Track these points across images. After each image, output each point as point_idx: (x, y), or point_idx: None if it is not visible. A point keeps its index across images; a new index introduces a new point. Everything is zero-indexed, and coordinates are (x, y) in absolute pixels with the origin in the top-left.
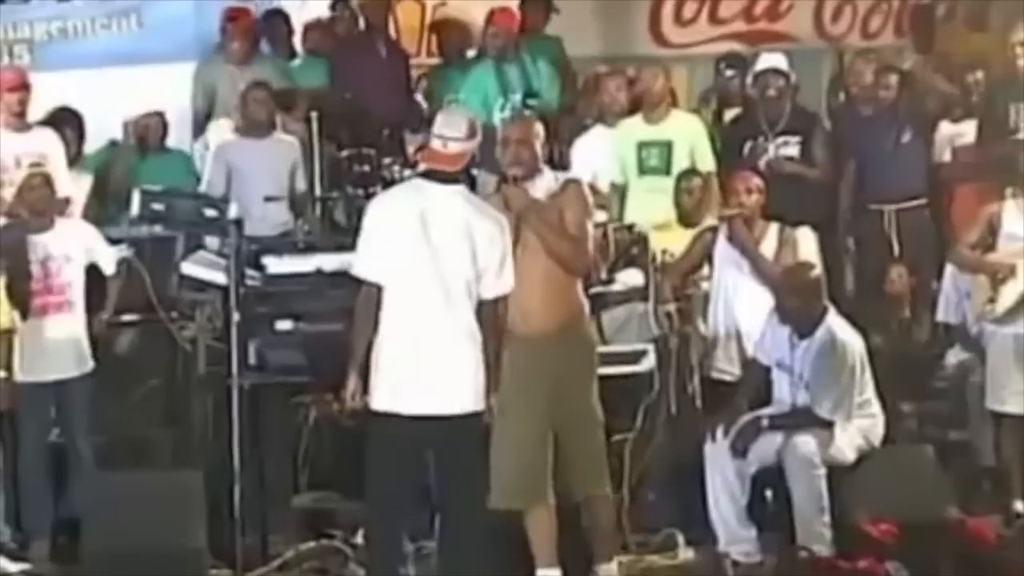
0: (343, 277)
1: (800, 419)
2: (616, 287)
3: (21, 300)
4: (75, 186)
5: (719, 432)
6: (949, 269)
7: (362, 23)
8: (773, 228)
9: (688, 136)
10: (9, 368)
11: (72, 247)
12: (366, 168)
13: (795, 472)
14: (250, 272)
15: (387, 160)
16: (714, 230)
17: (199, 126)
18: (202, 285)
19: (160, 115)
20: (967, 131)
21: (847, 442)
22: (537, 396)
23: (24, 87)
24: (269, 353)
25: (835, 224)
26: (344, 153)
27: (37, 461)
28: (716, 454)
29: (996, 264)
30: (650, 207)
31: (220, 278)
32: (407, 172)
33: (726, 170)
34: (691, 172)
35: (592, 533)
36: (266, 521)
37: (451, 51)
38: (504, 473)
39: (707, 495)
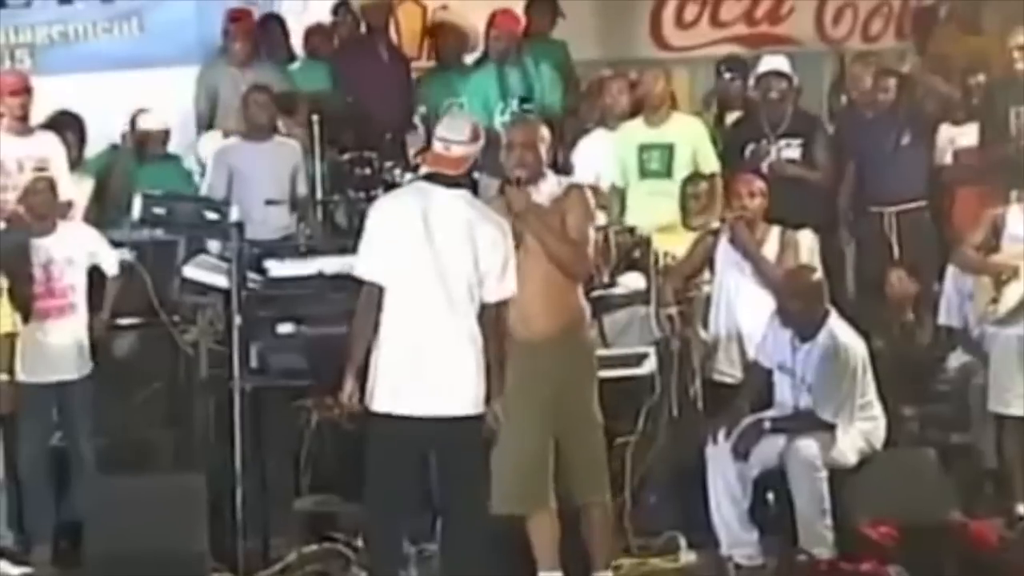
0: (345, 280)
1: (802, 422)
2: (618, 290)
3: (23, 303)
4: (76, 190)
5: (721, 435)
6: (950, 271)
7: (363, 27)
8: (775, 231)
9: (690, 139)
10: (11, 371)
11: (74, 250)
12: (367, 171)
13: (797, 475)
14: (252, 275)
15: (389, 163)
16: (716, 233)
17: (203, 129)
18: (204, 288)
19: (163, 128)
20: (968, 133)
21: (849, 445)
22: (538, 401)
23: (26, 91)
24: (271, 356)
25: (836, 227)
26: (345, 156)
27: (39, 464)
28: (718, 457)
29: (999, 265)
30: (651, 210)
31: (222, 281)
32: (409, 175)
33: (728, 173)
34: (697, 176)
35: (589, 540)
36: (268, 524)
37: (448, 55)
38: (505, 478)
39: (709, 498)
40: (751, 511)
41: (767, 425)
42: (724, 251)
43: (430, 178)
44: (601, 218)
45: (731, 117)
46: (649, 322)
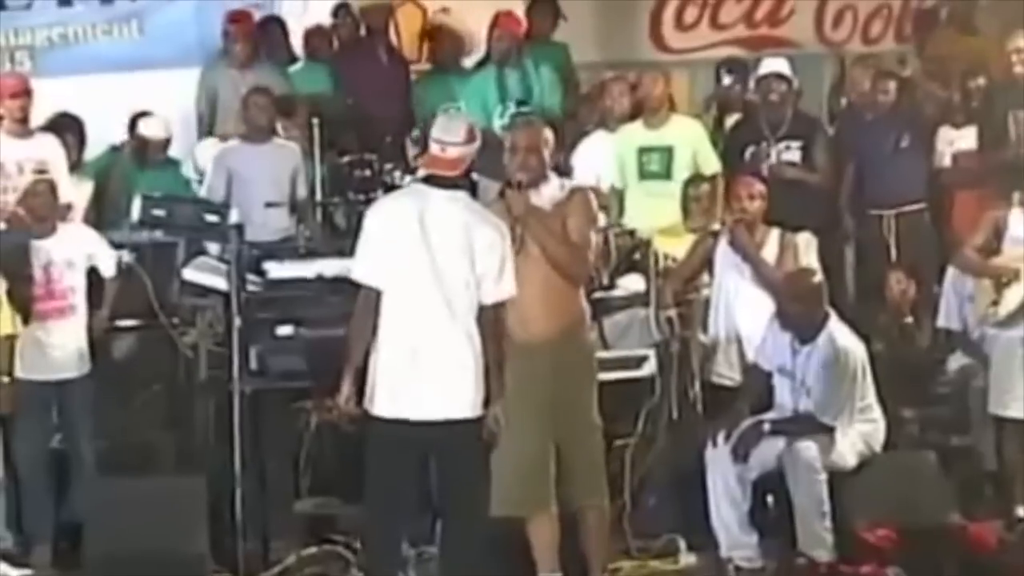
0: (344, 282)
1: (801, 424)
2: (617, 292)
3: (23, 305)
4: (76, 192)
5: (720, 438)
6: (950, 274)
7: (363, 29)
8: (774, 233)
9: (689, 140)
10: (11, 373)
11: (74, 252)
12: (367, 173)
13: (796, 477)
14: (251, 277)
15: (388, 165)
16: (715, 235)
17: (203, 130)
18: (203, 290)
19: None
20: (968, 137)
21: (848, 447)
22: (537, 403)
23: (26, 93)
24: (270, 358)
25: (836, 229)
26: (345, 159)
27: (38, 465)
28: (717, 459)
29: (1000, 268)
30: (651, 212)
31: (221, 283)
32: (408, 178)
33: (727, 175)
34: (698, 178)
35: (586, 544)
36: (267, 526)
37: (446, 58)
38: (505, 480)
39: (708, 500)
40: (751, 513)
41: (766, 427)
42: (723, 253)
43: (427, 180)
44: (601, 220)
45: (731, 119)
46: (649, 324)
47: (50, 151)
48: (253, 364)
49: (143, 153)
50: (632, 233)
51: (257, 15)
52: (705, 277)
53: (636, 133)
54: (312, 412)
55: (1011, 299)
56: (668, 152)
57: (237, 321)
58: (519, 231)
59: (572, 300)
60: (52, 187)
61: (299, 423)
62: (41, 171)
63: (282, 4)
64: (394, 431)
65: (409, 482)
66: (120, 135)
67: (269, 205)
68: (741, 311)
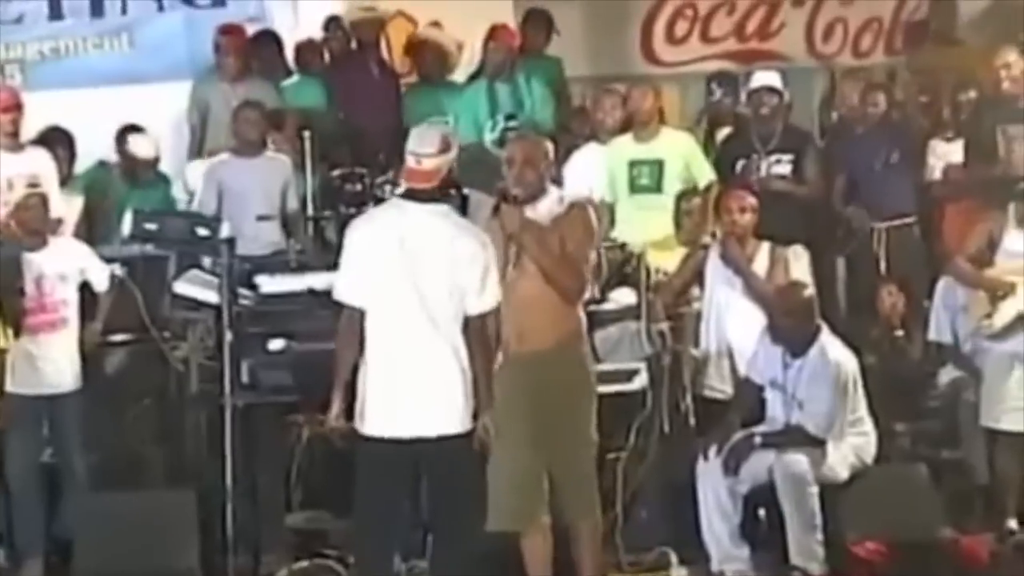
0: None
1: (793, 437)
2: (609, 306)
3: (14, 318)
4: (66, 206)
5: (712, 451)
6: (940, 287)
7: (354, 43)
8: (765, 247)
9: (681, 153)
10: (2, 387)
11: (66, 266)
12: (358, 187)
13: (788, 490)
14: (242, 291)
15: (379, 179)
16: (706, 248)
17: (194, 143)
18: (195, 304)
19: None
20: (958, 150)
21: (840, 460)
22: (531, 416)
23: (17, 107)
24: (262, 372)
25: (827, 242)
26: (336, 172)
27: (29, 480)
28: (709, 473)
29: (995, 281)
30: (642, 225)
31: (212, 297)
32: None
33: (719, 188)
34: (691, 192)
35: (578, 558)
36: (259, 540)
37: (430, 72)
38: (499, 494)
39: (700, 514)
40: (742, 527)
41: (758, 440)
42: (714, 266)
43: (406, 195)
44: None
45: (721, 133)
46: (640, 338)
47: (41, 165)
48: (244, 378)
49: (132, 171)
50: (623, 247)
51: (251, 29)
52: (696, 290)
53: (626, 147)
54: (303, 426)
55: (1006, 312)
56: (659, 165)
57: (228, 335)
58: (514, 245)
59: (568, 314)
60: (44, 201)
61: (290, 437)
62: (33, 184)
63: (274, 18)
64: (383, 449)
65: (399, 498)
66: (110, 149)
67: (260, 219)
68: (732, 324)
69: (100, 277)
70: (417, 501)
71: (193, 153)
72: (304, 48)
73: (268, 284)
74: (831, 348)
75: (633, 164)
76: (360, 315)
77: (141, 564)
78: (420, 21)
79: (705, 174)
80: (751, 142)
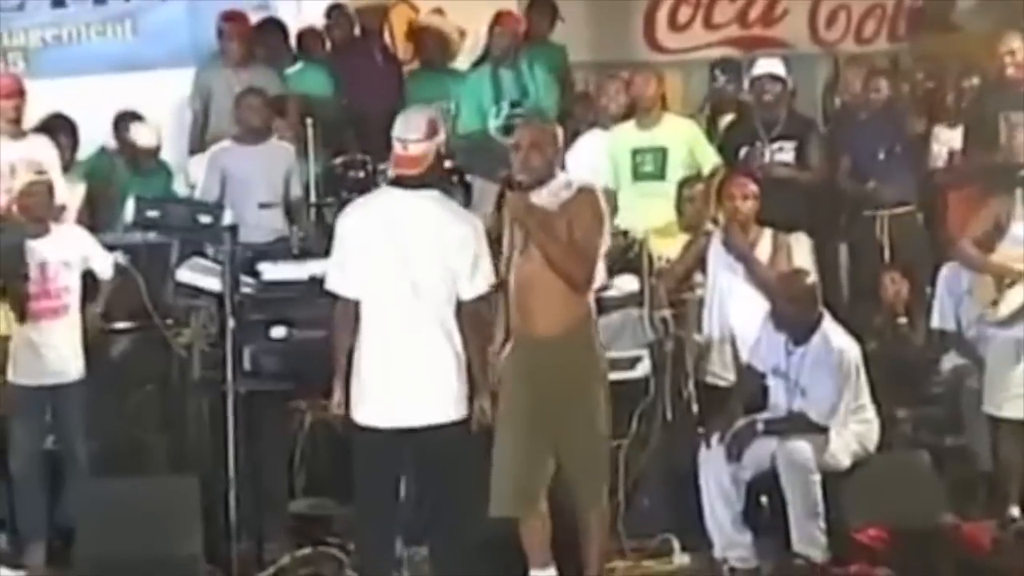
0: None
1: (795, 424)
2: (611, 293)
3: (17, 304)
4: (69, 193)
5: (714, 440)
6: (944, 273)
7: (357, 29)
8: (767, 233)
9: (684, 140)
10: (3, 373)
11: (69, 253)
12: (361, 174)
13: (790, 478)
14: (245, 278)
15: (382, 166)
16: (708, 235)
17: (197, 130)
18: (197, 291)
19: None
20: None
21: (842, 447)
22: (536, 402)
23: (19, 94)
24: (264, 359)
25: (830, 230)
26: (339, 159)
27: (31, 466)
28: (711, 460)
29: (1002, 268)
30: (645, 212)
31: (215, 284)
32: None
33: (722, 175)
34: (693, 179)
35: (585, 547)
36: (261, 527)
37: (432, 59)
38: (500, 480)
39: (702, 501)
40: (744, 514)
41: (760, 427)
42: (717, 253)
43: (395, 182)
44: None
45: (725, 120)
46: (642, 324)
47: (43, 152)
48: (247, 365)
49: (134, 159)
50: (625, 233)
51: (255, 16)
52: (699, 277)
53: (629, 134)
54: (306, 413)
55: (1013, 299)
56: (662, 153)
57: (231, 322)
58: (520, 231)
59: (577, 300)
60: (49, 188)
61: (293, 424)
62: (40, 172)
63: (278, 5)
64: (378, 438)
65: (397, 486)
66: (109, 145)
67: (263, 206)
68: (735, 311)
69: (104, 265)
70: (417, 487)
71: (196, 140)
72: (306, 35)
73: (270, 271)
74: (834, 335)
75: (636, 151)
76: (355, 304)
77: (143, 551)
78: (422, 8)
79: (709, 159)
80: (754, 129)
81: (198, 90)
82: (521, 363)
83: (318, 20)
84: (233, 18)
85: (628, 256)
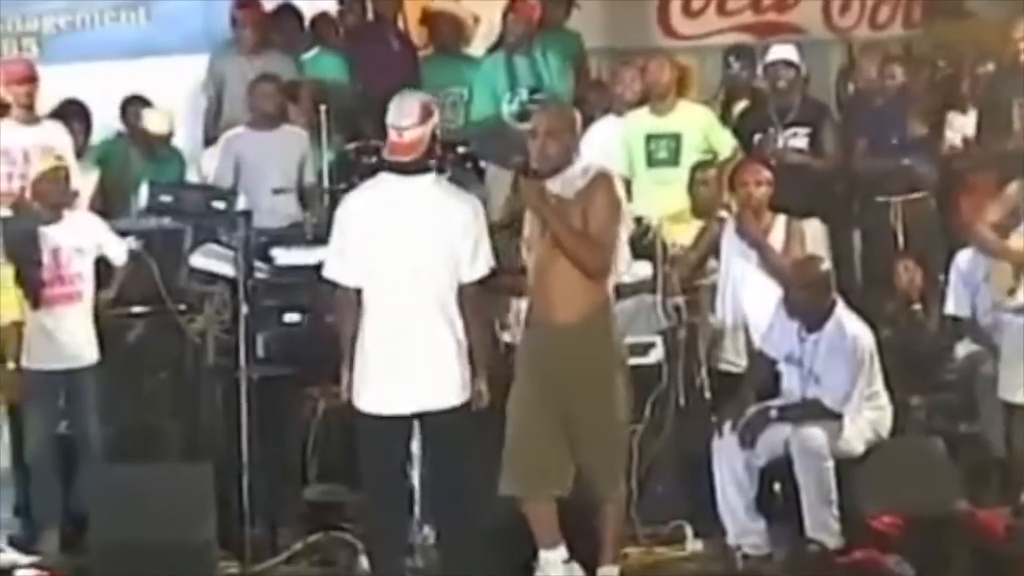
0: None
1: (809, 411)
2: (625, 279)
3: (32, 290)
4: (82, 179)
5: (726, 427)
6: (959, 260)
7: (371, 14)
8: (781, 220)
9: (699, 126)
10: (18, 360)
11: (82, 239)
12: (374, 160)
13: (803, 464)
14: (258, 264)
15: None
16: (722, 221)
17: (211, 117)
18: (211, 277)
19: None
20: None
21: (856, 434)
22: (550, 387)
23: (32, 80)
24: (278, 345)
25: (843, 216)
26: (352, 145)
27: (46, 452)
28: (724, 446)
29: (1020, 254)
30: (659, 199)
31: (228, 270)
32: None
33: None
34: (706, 163)
35: (601, 534)
36: (275, 513)
37: (446, 43)
38: (511, 460)
39: (715, 487)
40: (758, 500)
41: (774, 413)
42: (730, 240)
43: (394, 168)
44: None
45: (738, 106)
46: (656, 311)
47: (56, 138)
48: (260, 351)
49: (147, 145)
50: (639, 220)
51: (270, 3)
52: (713, 262)
53: (644, 120)
54: (319, 399)
55: None
56: (676, 139)
57: (244, 308)
58: (537, 219)
59: (595, 288)
60: (67, 174)
61: (306, 410)
62: (58, 157)
63: None
64: (381, 425)
65: (403, 471)
66: (121, 130)
67: (276, 192)
68: (748, 298)
69: (117, 251)
70: (424, 472)
71: (210, 127)
72: (320, 21)
73: (284, 257)
74: (847, 322)
75: (650, 138)
76: (355, 291)
77: (157, 536)
78: None
79: (727, 144)
80: (768, 115)
81: (212, 77)
82: (538, 349)
83: (332, 6)
84: (247, 5)
85: (642, 243)
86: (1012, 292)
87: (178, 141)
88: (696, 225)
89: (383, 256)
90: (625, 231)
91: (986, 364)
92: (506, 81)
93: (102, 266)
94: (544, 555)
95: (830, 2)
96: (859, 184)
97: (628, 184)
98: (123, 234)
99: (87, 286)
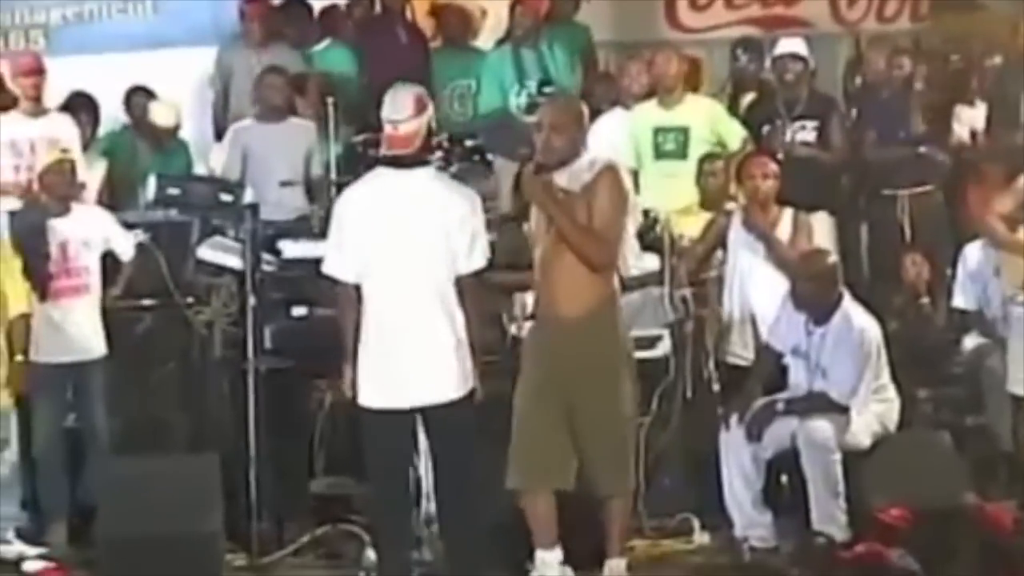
0: None
1: (816, 404)
2: (632, 272)
3: (39, 282)
4: (90, 171)
5: (733, 420)
6: (967, 253)
7: (379, 7)
8: (788, 213)
9: (707, 119)
10: (26, 352)
11: (90, 232)
12: (380, 153)
13: (811, 457)
14: (266, 257)
15: None
16: (729, 214)
17: (219, 110)
18: (218, 269)
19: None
20: (983, 116)
21: (863, 427)
22: (555, 381)
23: (39, 72)
24: (285, 337)
25: (851, 209)
26: (359, 137)
27: (52, 444)
28: (731, 440)
29: None
30: (666, 192)
31: (236, 263)
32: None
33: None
34: (713, 156)
35: (607, 527)
36: (282, 506)
37: (453, 36)
38: (516, 453)
39: (723, 480)
40: (764, 493)
41: (780, 406)
42: (737, 233)
43: (390, 162)
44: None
45: (746, 99)
46: (663, 304)
47: (64, 130)
48: (268, 343)
49: (155, 138)
50: (647, 213)
51: None
52: (720, 256)
53: (651, 113)
54: (326, 392)
55: None
56: (684, 132)
57: (252, 300)
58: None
59: (601, 281)
60: (73, 166)
61: (313, 402)
62: (64, 150)
63: None
64: (384, 419)
65: (407, 465)
66: (127, 123)
67: (284, 184)
68: (756, 291)
69: (125, 246)
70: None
71: (220, 119)
72: (329, 13)
73: (291, 249)
74: (854, 315)
75: (658, 130)
76: (355, 287)
77: (164, 528)
78: None
79: (736, 135)
80: (776, 108)
81: (220, 71)
82: (543, 343)
83: None
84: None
85: (649, 236)
86: None
87: (185, 134)
88: (703, 218)
89: (381, 251)
90: (633, 224)
91: (993, 357)
92: (513, 74)
93: (109, 260)
94: (540, 555)
95: None
96: (866, 177)
97: (635, 177)
98: (130, 227)
99: (94, 279)
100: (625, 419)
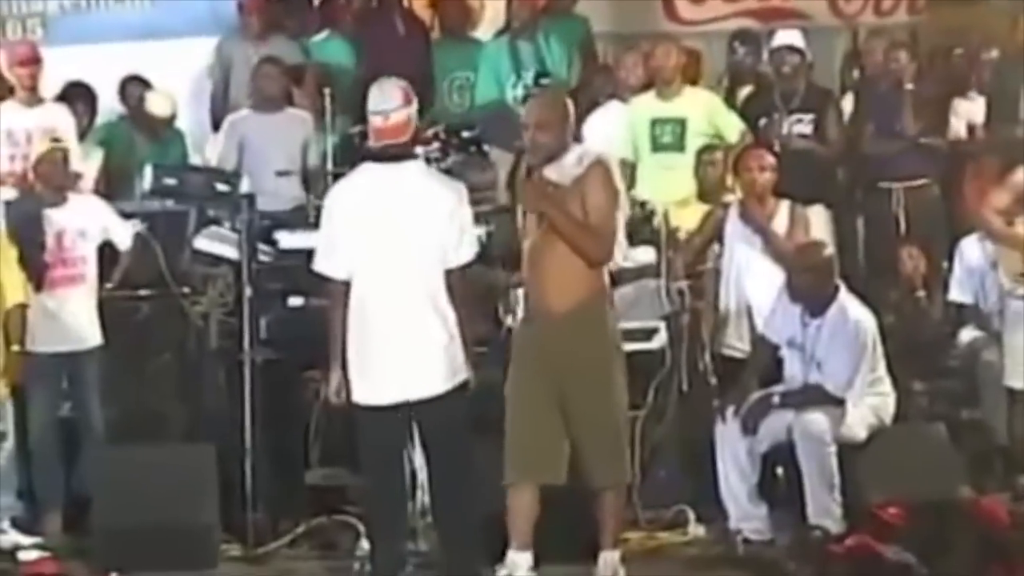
0: None
1: (811, 396)
2: (628, 264)
3: (35, 272)
4: (86, 161)
5: (729, 413)
6: (963, 246)
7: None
8: (784, 205)
9: (704, 112)
10: (22, 342)
11: (87, 223)
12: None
13: (806, 449)
14: (262, 247)
15: None
16: (726, 207)
17: (217, 101)
18: (214, 260)
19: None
20: (980, 109)
21: (858, 420)
22: (546, 376)
23: (36, 61)
24: (281, 328)
25: (847, 202)
26: (356, 128)
27: (48, 434)
28: (727, 433)
29: None
30: (663, 184)
31: (232, 253)
32: (419, 148)
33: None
34: (711, 147)
35: (600, 520)
36: (277, 496)
37: (453, 27)
38: (511, 449)
39: (718, 472)
40: (760, 485)
41: (776, 399)
42: (734, 225)
43: (379, 156)
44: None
45: (743, 92)
46: (659, 296)
47: (60, 120)
48: (263, 334)
49: (151, 128)
50: (643, 205)
51: None
52: (716, 248)
53: (649, 105)
54: (322, 383)
55: None
56: (681, 124)
57: (248, 291)
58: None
59: (591, 276)
60: (65, 156)
61: (309, 393)
62: (56, 139)
63: None
64: (377, 414)
65: (401, 458)
66: (123, 113)
67: (280, 174)
68: (752, 283)
69: (123, 236)
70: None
71: (219, 111)
72: (328, 4)
73: (288, 240)
74: (850, 307)
75: (655, 122)
76: (346, 286)
77: (160, 519)
78: None
79: (733, 128)
80: (773, 101)
81: (219, 61)
82: (533, 337)
83: None
84: None
85: (645, 228)
86: (1023, 276)
87: (182, 124)
88: (700, 210)
89: (370, 245)
90: (622, 217)
91: (989, 350)
92: (510, 65)
93: (107, 250)
94: (512, 555)
95: None
96: (863, 170)
97: (632, 169)
98: (127, 216)
99: (90, 269)
100: (617, 412)
